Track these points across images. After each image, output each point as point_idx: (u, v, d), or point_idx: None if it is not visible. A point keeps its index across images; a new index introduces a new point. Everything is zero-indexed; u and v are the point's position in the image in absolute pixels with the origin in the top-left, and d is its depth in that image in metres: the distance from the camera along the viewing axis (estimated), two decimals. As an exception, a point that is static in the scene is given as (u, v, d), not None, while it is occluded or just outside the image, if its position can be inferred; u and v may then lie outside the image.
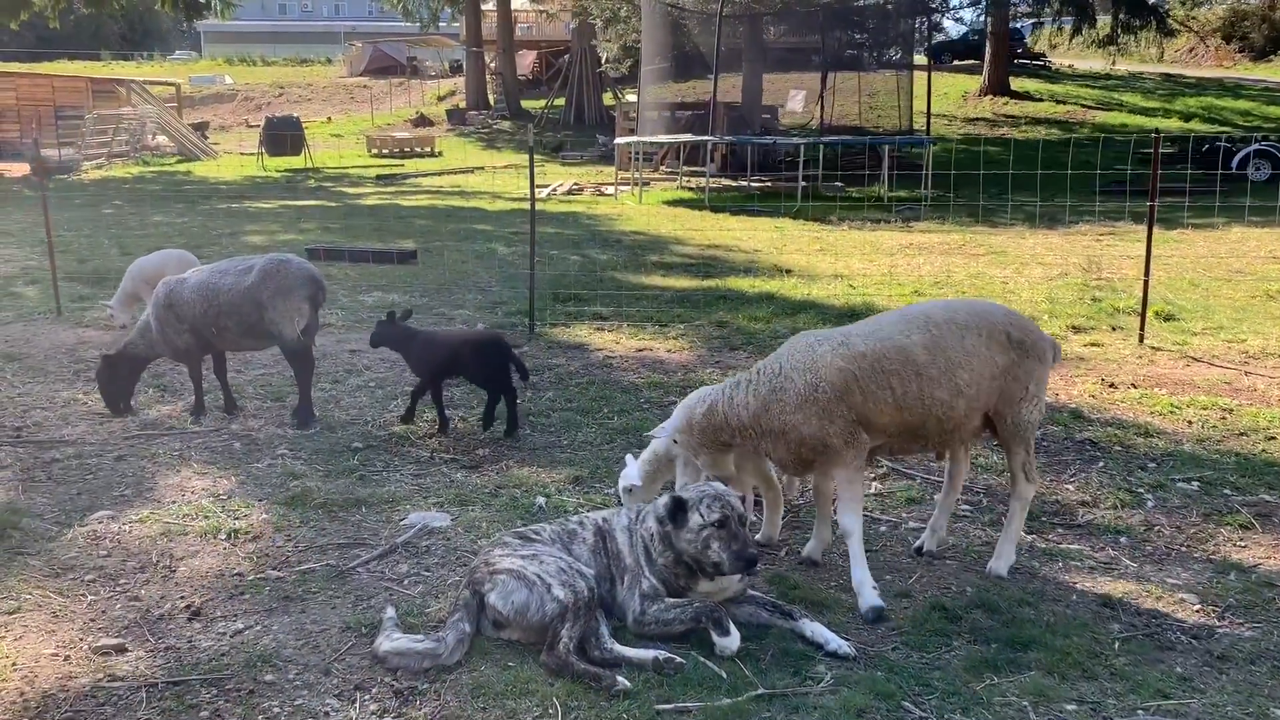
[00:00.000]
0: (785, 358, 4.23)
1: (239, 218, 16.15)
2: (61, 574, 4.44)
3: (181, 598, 4.25)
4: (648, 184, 21.46)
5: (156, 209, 17.50)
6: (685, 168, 22.76)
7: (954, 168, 19.53)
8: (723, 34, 20.56)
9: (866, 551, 4.24)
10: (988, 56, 42.14)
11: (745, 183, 21.63)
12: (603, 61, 34.14)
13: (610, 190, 21.07)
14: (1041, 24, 45.55)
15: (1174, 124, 34.96)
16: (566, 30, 52.69)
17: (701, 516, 3.78)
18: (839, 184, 20.52)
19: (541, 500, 5.23)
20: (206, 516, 5.07)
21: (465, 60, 47.27)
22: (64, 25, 35.63)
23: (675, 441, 4.56)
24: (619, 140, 21.13)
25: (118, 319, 8.90)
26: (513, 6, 45.70)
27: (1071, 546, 4.85)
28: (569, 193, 20.71)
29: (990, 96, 41.36)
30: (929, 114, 20.91)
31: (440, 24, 56.94)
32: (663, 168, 25.14)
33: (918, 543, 4.71)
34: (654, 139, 20.58)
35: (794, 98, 21.09)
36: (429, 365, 6.43)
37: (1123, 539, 4.95)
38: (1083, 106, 40.87)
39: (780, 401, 4.12)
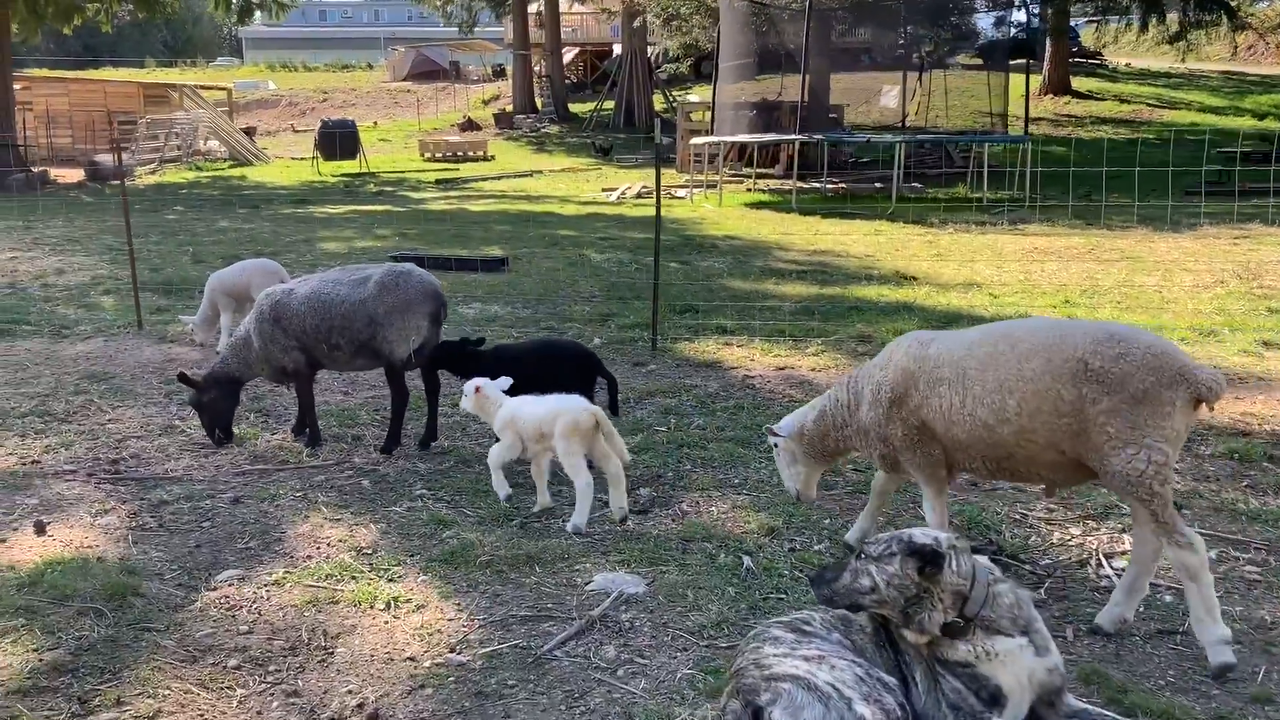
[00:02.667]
0: (881, 352, 4.17)
1: (309, 223, 15.48)
2: (200, 658, 3.65)
3: (350, 692, 3.44)
4: (713, 186, 20.64)
5: (220, 214, 16.90)
6: (747, 169, 21.91)
7: (1038, 166, 18.54)
8: (797, 31, 19.70)
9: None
10: (1047, 55, 41.10)
11: (819, 184, 20.71)
12: (659, 61, 33.30)
13: (681, 193, 20.23)
14: (1106, 21, 44.26)
15: (1248, 122, 33.66)
16: (612, 33, 52.10)
17: None
18: (918, 184, 19.60)
19: (748, 561, 4.38)
20: (354, 577, 4.27)
21: (512, 64, 46.76)
22: (108, 32, 35.50)
23: (775, 445, 4.54)
24: (696, 140, 20.27)
25: (198, 336, 8.16)
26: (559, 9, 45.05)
27: None
28: (639, 196, 19.91)
29: (1050, 96, 40.27)
30: (1027, 115, 19.90)
31: (475, 28, 56.61)
32: (725, 169, 24.27)
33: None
34: (734, 138, 19.66)
35: (887, 93, 20.15)
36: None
37: None
38: (1148, 105, 39.67)
39: (863, 397, 4.09)
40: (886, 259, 11.87)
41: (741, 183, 22.15)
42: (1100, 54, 48.12)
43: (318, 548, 4.62)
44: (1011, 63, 22.73)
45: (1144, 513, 3.48)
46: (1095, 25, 47.10)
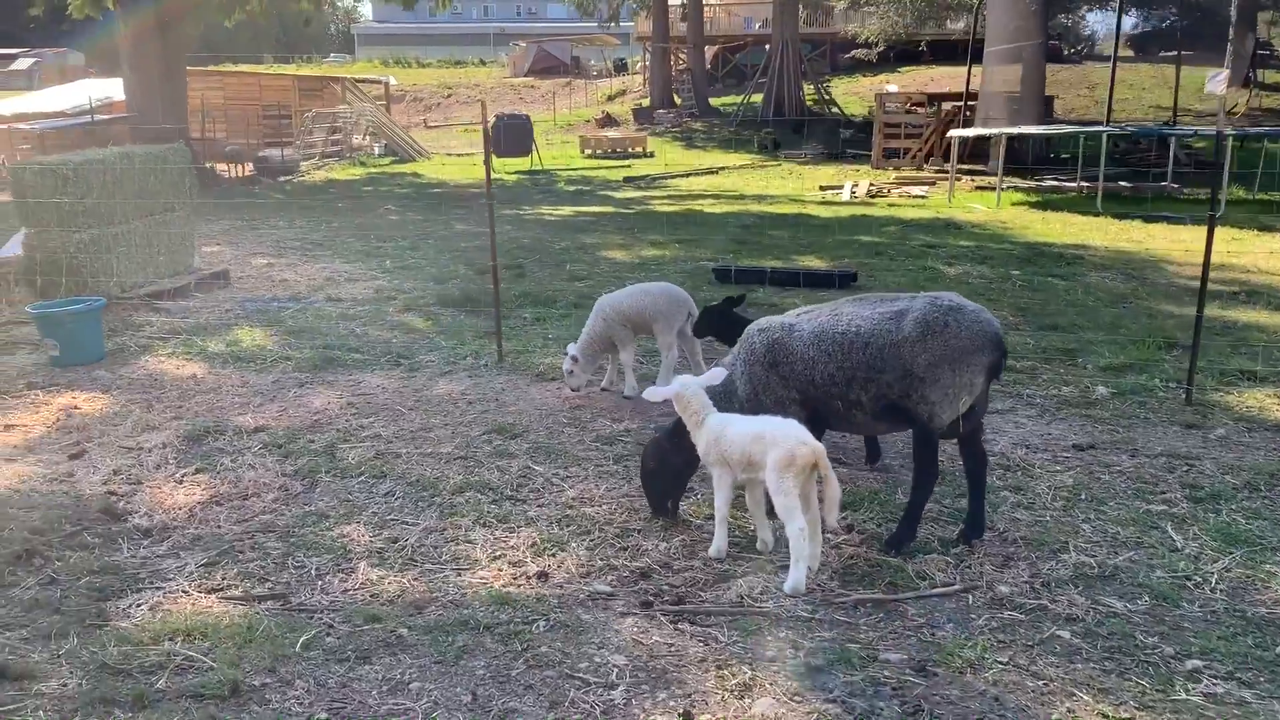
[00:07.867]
0: None
1: (555, 228, 13.82)
2: None
3: None
4: (931, 183, 18.58)
5: (437, 214, 15.45)
6: (945, 163, 19.83)
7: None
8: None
9: None
10: (1230, 46, 38.60)
11: (1057, 182, 18.51)
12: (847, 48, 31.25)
13: (917, 191, 18.19)
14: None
15: None
16: (746, 25, 50.27)
17: None
18: (1124, 183, 17.40)
19: None
20: None
21: (650, 57, 45.22)
22: (224, 29, 34.77)
23: None
24: (956, 132, 18.18)
25: (577, 376, 6.34)
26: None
27: None
28: (870, 195, 17.92)
29: (1233, 88, 37.37)
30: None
31: (613, 23, 55.46)
32: (927, 165, 22.19)
33: None
34: (1019, 130, 17.48)
35: (1214, 79, 17.88)
36: None
37: None
38: (1350, 98, 36.52)
39: None
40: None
41: (961, 180, 19.98)
42: (1271, 44, 44.66)
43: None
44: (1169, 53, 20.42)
45: None
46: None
